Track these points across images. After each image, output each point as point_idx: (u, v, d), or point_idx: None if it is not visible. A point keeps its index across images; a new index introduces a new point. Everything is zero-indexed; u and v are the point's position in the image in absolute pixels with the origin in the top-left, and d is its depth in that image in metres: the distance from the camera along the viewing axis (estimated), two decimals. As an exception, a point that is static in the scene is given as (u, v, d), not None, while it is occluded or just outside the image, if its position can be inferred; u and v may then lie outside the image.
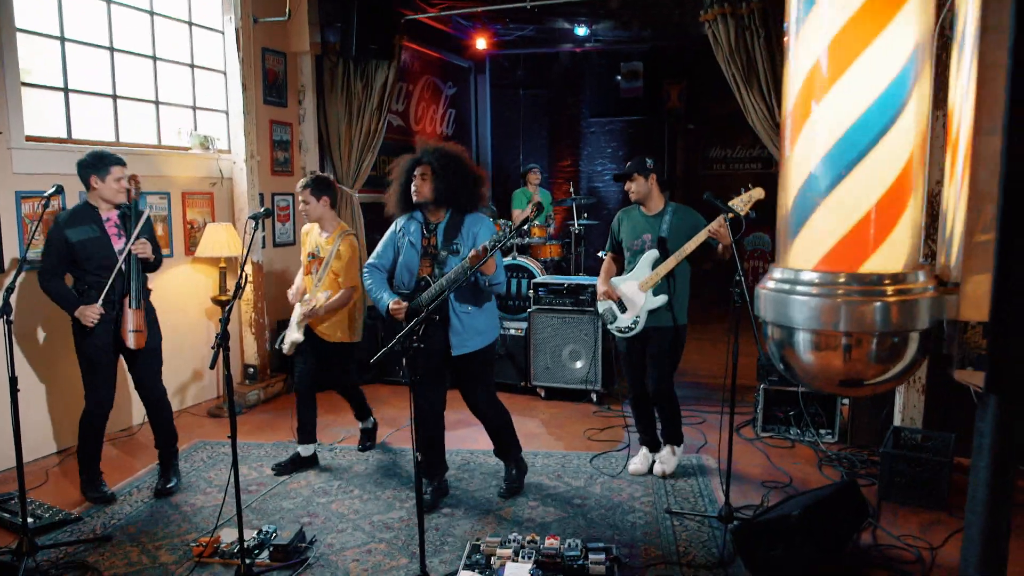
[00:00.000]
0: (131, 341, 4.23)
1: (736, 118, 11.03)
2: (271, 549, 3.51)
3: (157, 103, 5.87)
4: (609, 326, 4.50)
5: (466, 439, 5.33)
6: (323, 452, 5.01)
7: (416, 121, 9.26)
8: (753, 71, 5.92)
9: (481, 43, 9.51)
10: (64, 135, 5.14)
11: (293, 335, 4.71)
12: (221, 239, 5.81)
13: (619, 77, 10.34)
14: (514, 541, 3.47)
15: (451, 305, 3.80)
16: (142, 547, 3.67)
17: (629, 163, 4.40)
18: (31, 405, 4.86)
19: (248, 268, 6.37)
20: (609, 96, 10.57)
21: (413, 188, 3.81)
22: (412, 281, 3.86)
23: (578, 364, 6.09)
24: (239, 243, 6.01)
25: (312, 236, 4.81)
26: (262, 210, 3.70)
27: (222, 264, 5.92)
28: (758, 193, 4.29)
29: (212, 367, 3.03)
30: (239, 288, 3.24)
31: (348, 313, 4.75)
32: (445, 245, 3.78)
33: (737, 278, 3.66)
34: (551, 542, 3.45)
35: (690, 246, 4.17)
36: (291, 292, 4.89)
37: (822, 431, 5.22)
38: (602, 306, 4.51)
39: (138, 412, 5.47)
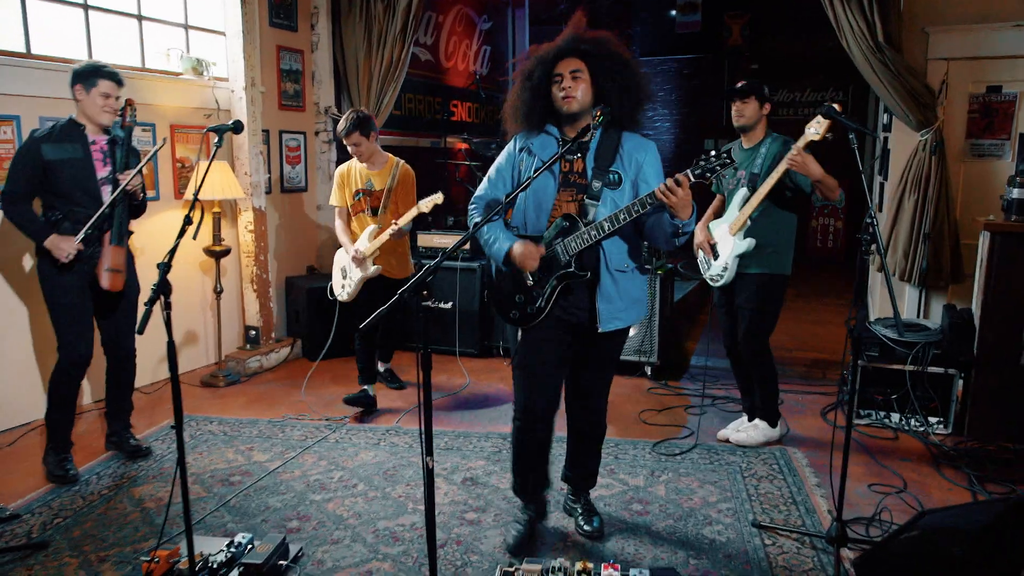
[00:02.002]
0: (106, 281, 3.52)
1: (805, 57, 9.96)
2: (241, 569, 2.69)
3: (140, 17, 5.00)
4: (704, 275, 4.04)
5: (497, 419, 4.47)
6: (325, 432, 4.19)
7: (447, 56, 8.29)
8: (852, -22, 4.85)
9: (520, -30, 8.47)
10: (22, 49, 4.29)
11: (360, 272, 4.53)
12: (215, 180, 4.96)
13: (674, 12, 9.23)
14: (560, 571, 2.60)
15: (604, 261, 2.68)
16: (83, 558, 2.88)
17: (744, 82, 3.91)
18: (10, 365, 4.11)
19: (249, 215, 5.53)
20: (663, 32, 9.50)
21: (561, 92, 2.64)
22: (542, 222, 2.72)
23: (631, 331, 5.17)
24: (237, 185, 5.15)
25: (355, 173, 4.65)
26: (230, 123, 2.79)
27: (216, 209, 5.08)
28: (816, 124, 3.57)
29: (140, 332, 2.18)
30: (184, 226, 2.36)
31: (406, 247, 4.77)
32: (599, 174, 2.66)
33: (868, 220, 2.70)
34: (609, 573, 2.57)
35: (768, 183, 3.63)
36: (346, 242, 4.64)
37: (932, 419, 4.26)
38: (700, 255, 4.06)
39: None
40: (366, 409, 4.58)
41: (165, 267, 2.23)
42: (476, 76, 8.61)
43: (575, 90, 2.64)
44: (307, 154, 6.31)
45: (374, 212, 4.61)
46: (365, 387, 4.64)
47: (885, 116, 5.76)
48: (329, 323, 4.90)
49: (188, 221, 2.34)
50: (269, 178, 5.85)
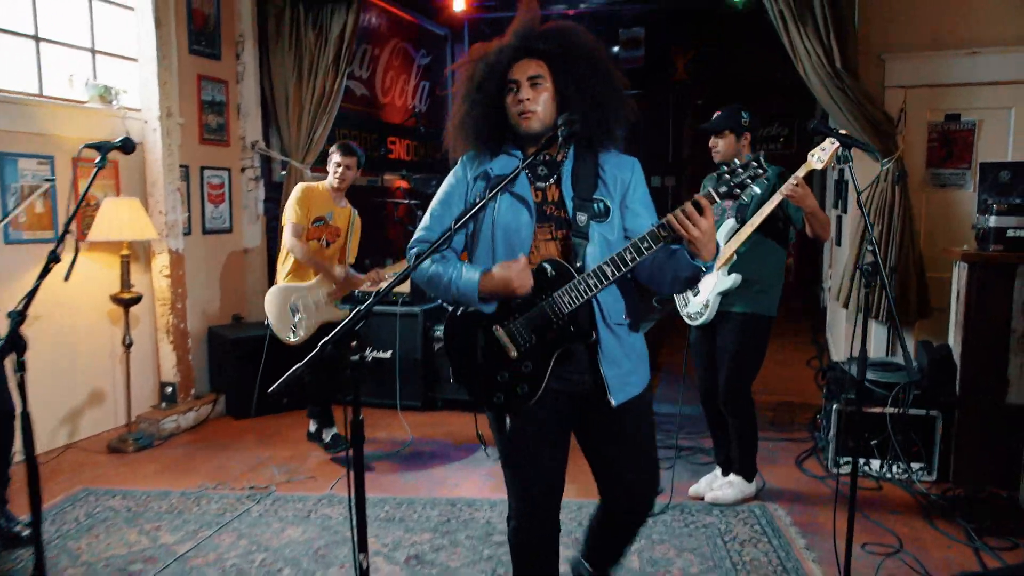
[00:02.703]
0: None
1: (752, 91, 9.92)
2: None
3: (38, 39, 4.48)
4: (682, 312, 3.71)
5: (443, 481, 4.00)
6: (248, 505, 3.65)
7: (383, 91, 7.92)
8: (807, 5, 4.67)
9: (459, 4, 8.17)
10: None
11: (334, 311, 4.37)
12: (123, 219, 4.43)
13: (617, 48, 9.07)
14: None
15: (601, 314, 2.14)
16: None
17: (718, 113, 3.57)
18: None
19: (164, 258, 4.99)
20: (605, 69, 9.29)
21: (516, 106, 2.12)
22: None
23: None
24: (149, 224, 4.62)
25: (319, 199, 4.35)
26: (117, 141, 2.32)
27: (125, 252, 4.53)
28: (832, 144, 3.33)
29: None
30: (47, 264, 1.88)
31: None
32: (582, 205, 2.12)
33: (869, 248, 2.39)
34: None
35: (762, 213, 3.33)
36: (319, 263, 4.35)
37: (914, 465, 3.96)
38: None
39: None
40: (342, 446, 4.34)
41: (17, 317, 1.73)
42: (415, 111, 8.26)
43: (535, 102, 2.10)
44: (232, 192, 5.81)
45: (327, 245, 4.38)
46: (331, 432, 4.40)
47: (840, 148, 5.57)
48: (256, 375, 4.39)
49: (53, 259, 1.86)
50: (188, 217, 5.32)
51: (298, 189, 4.32)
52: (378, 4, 7.54)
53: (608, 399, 2.11)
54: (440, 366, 5.30)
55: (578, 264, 2.08)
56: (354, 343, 1.45)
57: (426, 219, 2.28)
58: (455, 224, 1.98)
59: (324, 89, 5.83)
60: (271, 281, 5.98)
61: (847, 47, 4.66)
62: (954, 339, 4.10)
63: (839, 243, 5.66)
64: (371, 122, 7.62)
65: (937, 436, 3.92)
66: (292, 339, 4.25)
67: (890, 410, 3.92)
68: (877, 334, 5.00)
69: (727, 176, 1.96)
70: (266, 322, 4.28)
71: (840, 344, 5.41)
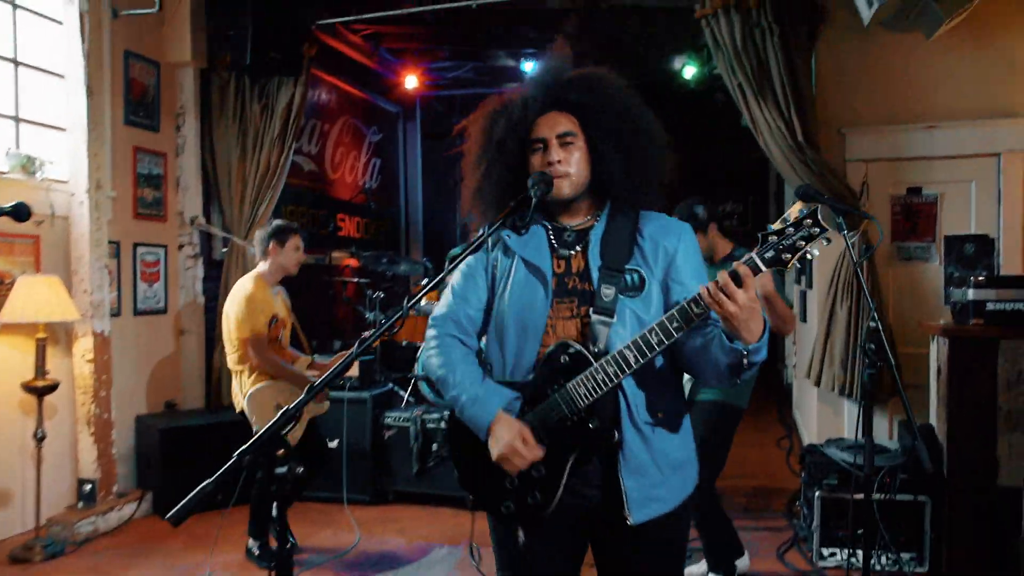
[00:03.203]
0: None
1: (703, 170, 10.00)
2: None
3: (-48, 106, 4.15)
4: None
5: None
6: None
7: (333, 167, 7.70)
8: (766, 78, 4.62)
9: (411, 82, 8.11)
10: None
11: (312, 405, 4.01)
12: (40, 298, 4.03)
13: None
14: None
15: (627, 410, 1.79)
16: None
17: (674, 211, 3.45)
18: None
19: (87, 341, 4.56)
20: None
21: (546, 168, 1.84)
22: (531, 353, 1.86)
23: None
24: (71, 305, 4.22)
25: (266, 296, 3.99)
26: (7, 206, 1.98)
27: (41, 334, 4.11)
28: (794, 211, 3.19)
29: None
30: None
31: None
32: (609, 275, 1.83)
33: (872, 324, 2.18)
34: None
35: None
36: (290, 367, 3.98)
37: (904, 555, 3.68)
38: None
39: None
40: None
41: None
42: (366, 188, 8.04)
43: (566, 163, 1.83)
44: (168, 271, 5.44)
45: (280, 341, 4.10)
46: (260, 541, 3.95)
47: (801, 222, 5.49)
48: (191, 469, 3.93)
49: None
50: (118, 297, 4.92)
51: (247, 295, 3.88)
52: (328, 80, 7.39)
53: (624, 514, 1.76)
54: (391, 456, 4.90)
55: (598, 347, 1.76)
56: (281, 451, 1.13)
57: (447, 296, 2.02)
58: (407, 304, 1.66)
59: (269, 163, 5.57)
60: (209, 365, 5.58)
61: (807, 121, 4.61)
62: (936, 418, 3.90)
63: (804, 319, 5.51)
64: (320, 198, 7.36)
65: (927, 523, 3.67)
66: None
67: (877, 495, 3.67)
68: (851, 413, 4.79)
69: (774, 239, 1.64)
70: (255, 428, 3.84)
71: (811, 424, 5.18)
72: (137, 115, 5.14)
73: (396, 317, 1.63)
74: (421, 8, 5.60)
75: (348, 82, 7.76)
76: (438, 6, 5.59)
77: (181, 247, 5.57)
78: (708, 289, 1.62)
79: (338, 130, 7.77)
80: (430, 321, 2.01)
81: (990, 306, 3.57)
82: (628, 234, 1.88)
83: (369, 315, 5.83)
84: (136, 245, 5.16)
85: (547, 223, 1.95)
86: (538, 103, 1.87)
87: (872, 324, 2.23)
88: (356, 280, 6.89)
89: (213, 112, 5.57)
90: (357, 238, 7.95)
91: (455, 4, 5.45)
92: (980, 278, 3.61)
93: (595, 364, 1.73)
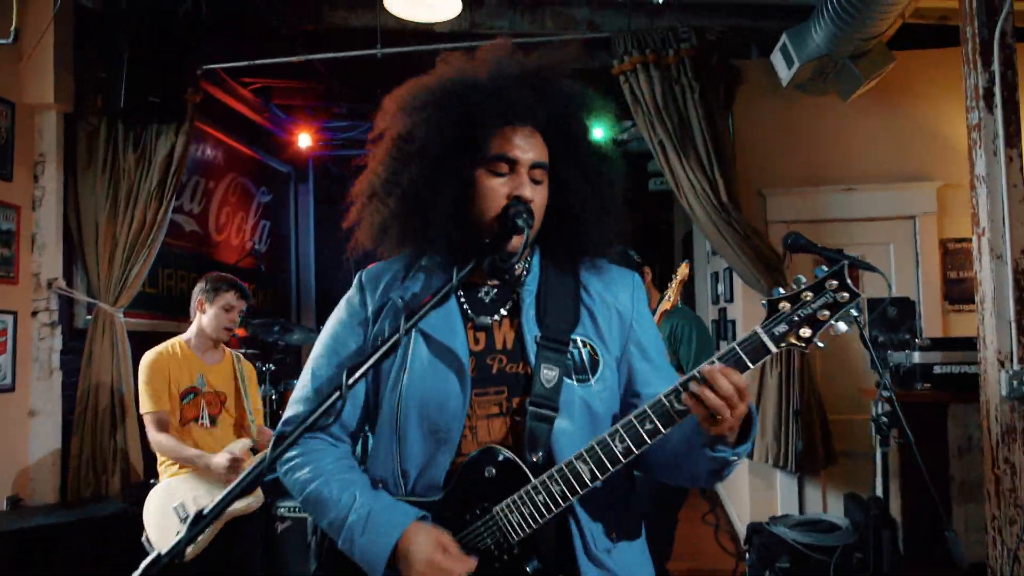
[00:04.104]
0: None
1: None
2: None
3: None
4: None
5: None
6: None
7: (218, 229, 7.06)
8: (688, 136, 4.48)
9: (304, 140, 7.65)
10: None
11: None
12: None
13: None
14: None
15: (581, 538, 1.35)
16: None
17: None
18: None
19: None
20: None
21: (507, 197, 1.38)
22: (444, 466, 1.36)
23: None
24: None
25: (178, 365, 3.39)
26: None
27: None
28: (683, 272, 3.40)
29: None
30: None
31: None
32: (549, 350, 1.38)
33: (885, 392, 1.88)
34: None
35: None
36: (198, 456, 3.26)
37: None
38: None
39: None
40: None
41: None
42: (254, 250, 7.42)
43: (537, 205, 1.39)
44: (17, 341, 4.65)
45: (213, 421, 3.47)
46: None
47: (720, 287, 5.35)
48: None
49: None
50: (-52, 373, 4.13)
51: (145, 362, 3.39)
52: (214, 135, 6.82)
53: None
54: (285, 551, 4.26)
55: (538, 455, 1.32)
56: None
57: (303, 381, 1.46)
58: (346, 385, 1.16)
59: (145, 219, 4.94)
60: (66, 451, 4.78)
61: (730, 180, 4.48)
62: (882, 490, 3.69)
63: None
64: (202, 261, 6.68)
65: (886, 607, 3.39)
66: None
67: (833, 578, 3.37)
68: (786, 486, 4.54)
69: (786, 307, 1.26)
70: (143, 536, 3.19)
71: (742, 498, 4.91)
72: (-16, 161, 4.44)
73: (331, 402, 1.16)
74: (313, 56, 5.20)
75: (236, 138, 7.21)
76: (334, 54, 5.21)
77: (35, 313, 4.80)
78: (693, 388, 1.23)
79: (224, 189, 7.16)
80: (281, 425, 1.47)
81: (937, 369, 3.42)
82: (570, 289, 1.44)
83: (259, 388, 5.19)
84: (-24, 312, 4.39)
85: (455, 278, 1.41)
86: (514, 107, 1.38)
87: (885, 393, 1.93)
88: (244, 351, 6.22)
89: (79, 161, 4.92)
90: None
91: (354, 53, 5.09)
92: (925, 341, 3.47)
93: (534, 480, 1.29)
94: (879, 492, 3.79)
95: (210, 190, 6.88)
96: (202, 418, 3.40)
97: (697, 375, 1.23)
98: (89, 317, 4.87)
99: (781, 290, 1.31)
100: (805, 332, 1.25)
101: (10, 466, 4.58)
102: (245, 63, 5.15)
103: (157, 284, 5.91)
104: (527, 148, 1.40)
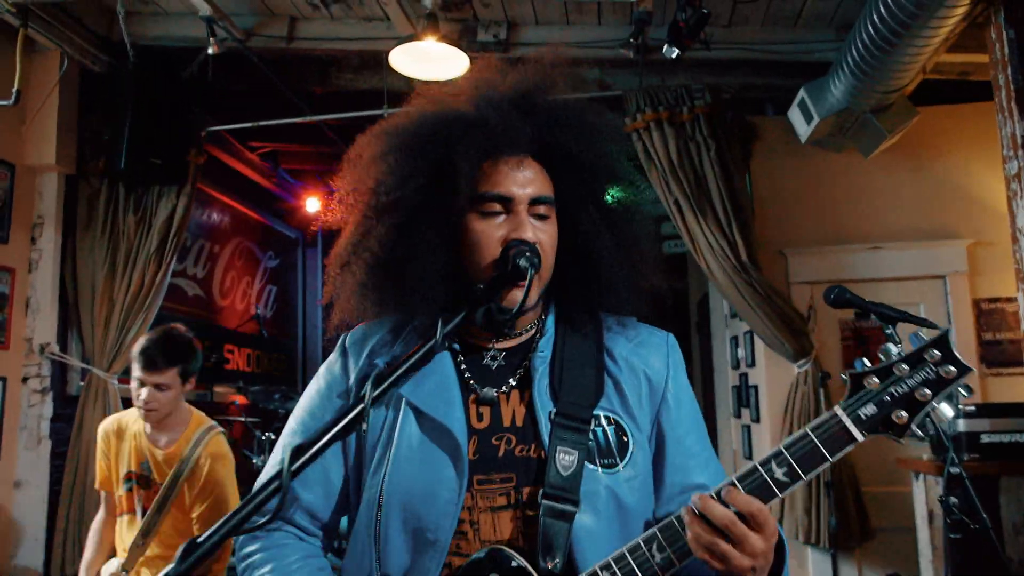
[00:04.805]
0: None
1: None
2: None
3: None
4: None
5: None
6: None
7: (222, 294, 6.92)
8: (705, 195, 4.32)
9: (312, 205, 7.59)
10: None
11: None
12: None
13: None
14: None
15: None
16: None
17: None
18: None
19: None
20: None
21: (505, 240, 1.16)
22: (433, 572, 1.09)
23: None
24: None
25: (129, 440, 2.87)
26: None
27: None
28: None
29: None
30: None
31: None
32: (567, 428, 1.13)
33: (953, 470, 1.66)
34: None
35: None
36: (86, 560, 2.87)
37: None
38: None
39: None
40: None
41: None
42: (257, 315, 7.25)
43: (543, 245, 1.17)
44: (5, 408, 4.46)
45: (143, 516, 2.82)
46: None
47: (740, 351, 5.11)
48: None
49: None
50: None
51: (100, 434, 2.97)
52: (220, 198, 6.75)
53: None
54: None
55: (555, 561, 1.07)
56: None
57: (272, 462, 1.22)
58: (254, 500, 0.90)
59: (143, 282, 4.78)
60: (51, 524, 4.52)
61: (750, 239, 4.30)
62: (931, 571, 3.38)
63: (749, 456, 5.02)
64: (205, 327, 6.52)
65: None
66: None
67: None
68: (817, 564, 4.21)
69: (873, 382, 1.03)
70: None
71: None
72: (-20, 222, 4.33)
73: (263, 496, 0.93)
74: (318, 117, 5.13)
75: (243, 203, 7.14)
76: (340, 115, 5.14)
77: (26, 379, 4.62)
78: (685, 519, 1.01)
79: (230, 253, 7.05)
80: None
81: (985, 438, 3.15)
82: (591, 354, 1.22)
83: (257, 460, 4.96)
84: (-37, 378, 4.20)
85: (454, 339, 1.23)
86: (501, 135, 1.17)
87: (954, 470, 1.70)
88: (244, 419, 5.99)
89: (79, 224, 4.80)
90: (247, 371, 7.08)
91: (361, 114, 5.00)
92: (970, 407, 3.21)
93: None
94: (923, 573, 3.49)
95: (215, 254, 6.77)
96: (135, 511, 2.81)
97: (690, 506, 1.00)
98: (82, 383, 4.68)
99: (866, 362, 1.09)
100: (899, 416, 1.02)
101: (-9, 542, 4.32)
102: (250, 124, 5.08)
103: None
104: (524, 182, 1.18)
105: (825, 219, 4.56)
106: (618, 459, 1.14)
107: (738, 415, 5.31)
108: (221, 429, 2.95)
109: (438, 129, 1.18)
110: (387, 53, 4.07)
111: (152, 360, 2.68)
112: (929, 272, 4.44)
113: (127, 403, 4.72)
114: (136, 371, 2.71)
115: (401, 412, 1.16)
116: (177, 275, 5.96)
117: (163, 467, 2.79)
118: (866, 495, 4.16)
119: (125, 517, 2.85)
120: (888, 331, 2.12)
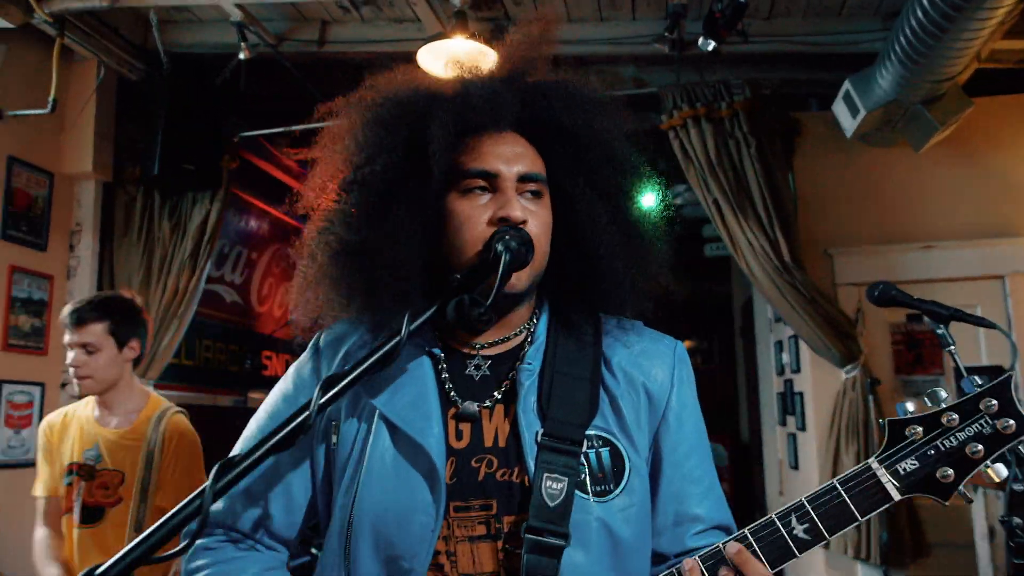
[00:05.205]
0: None
1: (664, 305, 9.41)
2: None
3: None
4: None
5: None
6: None
7: (260, 300, 6.94)
8: (745, 193, 4.15)
9: (351, 211, 7.57)
10: None
11: None
12: None
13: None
14: None
15: None
16: None
17: None
18: None
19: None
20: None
21: (493, 222, 1.06)
22: None
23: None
24: None
25: (74, 429, 2.61)
26: None
27: None
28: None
29: None
30: None
31: None
32: (556, 451, 1.01)
33: (1017, 486, 1.51)
34: None
35: None
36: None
37: None
38: None
39: None
40: None
41: None
42: (292, 320, 7.24)
43: (535, 226, 1.07)
44: (43, 414, 4.48)
45: (91, 518, 2.51)
46: None
47: (784, 356, 4.91)
48: None
49: None
50: (-34, 448, 3.96)
51: (40, 431, 2.76)
52: (258, 205, 6.77)
53: None
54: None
55: None
56: None
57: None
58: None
59: (177, 288, 4.80)
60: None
61: (793, 239, 4.12)
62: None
63: (795, 466, 4.81)
64: (243, 333, 6.55)
65: None
66: None
67: None
68: (868, 581, 4.00)
69: (916, 431, 0.90)
70: None
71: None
72: (18, 229, 4.37)
73: (184, 515, 0.83)
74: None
75: (281, 209, 7.15)
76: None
77: (64, 385, 4.65)
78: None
79: (268, 259, 7.07)
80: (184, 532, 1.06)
81: (1050, 448, 2.92)
82: (586, 363, 1.09)
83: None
84: (2, 382, 4.24)
85: (436, 343, 1.11)
86: (483, 110, 1.07)
87: (1018, 487, 1.54)
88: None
89: (116, 231, 4.84)
90: (284, 378, 7.09)
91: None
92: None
93: None
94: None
95: (253, 261, 6.79)
96: (74, 511, 2.50)
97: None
98: (118, 390, 4.70)
99: (909, 406, 0.96)
100: (945, 474, 0.90)
101: (27, 543, 4.34)
102: (282, 129, 5.06)
103: (194, 356, 5.76)
104: (511, 157, 1.07)
105: (873, 217, 4.35)
106: (612, 486, 1.02)
107: (783, 423, 5.10)
108: (181, 410, 2.72)
109: (414, 100, 1.09)
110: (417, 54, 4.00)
111: (78, 315, 2.49)
112: (987, 272, 4.19)
113: (162, 409, 4.77)
114: (65, 335, 2.52)
115: (374, 426, 1.05)
116: (215, 281, 5.99)
117: (117, 449, 2.52)
118: (920, 508, 3.93)
119: (65, 519, 2.58)
120: (940, 331, 1.95)
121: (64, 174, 4.69)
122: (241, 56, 4.41)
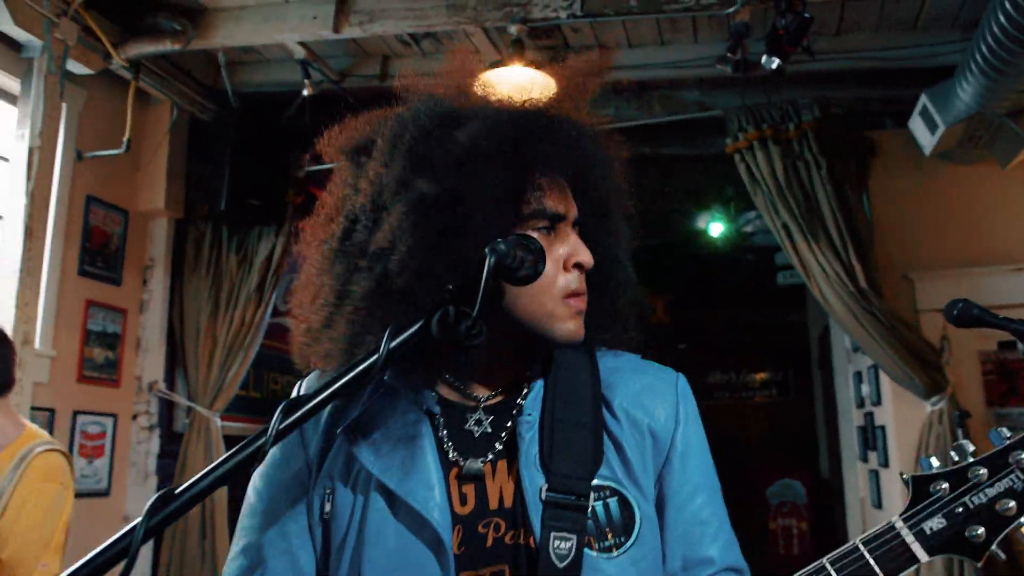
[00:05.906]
0: None
1: (737, 335, 9.24)
2: None
3: None
4: None
5: None
6: None
7: (327, 333, 7.01)
8: (816, 217, 3.97)
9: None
10: None
11: None
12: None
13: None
14: None
15: None
16: None
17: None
18: None
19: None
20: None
21: (565, 279, 0.99)
22: None
23: None
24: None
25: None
26: None
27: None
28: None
29: None
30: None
31: None
32: (561, 507, 0.91)
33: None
34: None
35: None
36: None
37: None
38: None
39: None
40: None
41: None
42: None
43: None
44: (115, 444, 4.60)
45: None
46: None
47: (864, 388, 4.65)
48: None
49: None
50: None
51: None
52: (326, 239, 6.88)
53: None
54: None
55: None
56: None
57: (235, 543, 1.03)
58: None
59: (243, 320, 4.88)
60: (155, 559, 4.62)
61: (869, 264, 3.91)
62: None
63: (879, 505, 4.52)
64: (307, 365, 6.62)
65: None
66: None
67: None
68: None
69: (943, 488, 0.84)
70: None
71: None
72: (95, 266, 4.52)
73: None
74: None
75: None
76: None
77: (135, 416, 4.76)
78: None
79: (335, 293, 7.17)
80: None
81: None
82: (587, 408, 0.99)
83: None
84: (76, 413, 4.35)
85: (432, 393, 1.02)
86: (552, 152, 0.99)
87: None
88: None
89: (186, 266, 4.97)
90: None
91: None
92: None
93: None
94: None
95: (320, 294, 6.89)
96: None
97: None
98: (187, 421, 4.79)
99: (934, 461, 0.88)
100: (975, 533, 0.81)
101: None
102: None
103: (261, 388, 5.83)
104: (568, 201, 1.02)
105: (957, 239, 4.09)
106: (623, 539, 0.93)
107: (864, 459, 4.81)
108: (60, 449, 2.32)
109: (510, 131, 0.99)
110: (475, 84, 3.99)
111: None
112: (1086, 296, 3.89)
113: (230, 441, 4.83)
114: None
115: (370, 498, 0.96)
116: (283, 315, 6.08)
117: None
118: (1019, 551, 3.62)
119: None
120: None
121: (138, 212, 4.85)
122: (305, 92, 4.50)
